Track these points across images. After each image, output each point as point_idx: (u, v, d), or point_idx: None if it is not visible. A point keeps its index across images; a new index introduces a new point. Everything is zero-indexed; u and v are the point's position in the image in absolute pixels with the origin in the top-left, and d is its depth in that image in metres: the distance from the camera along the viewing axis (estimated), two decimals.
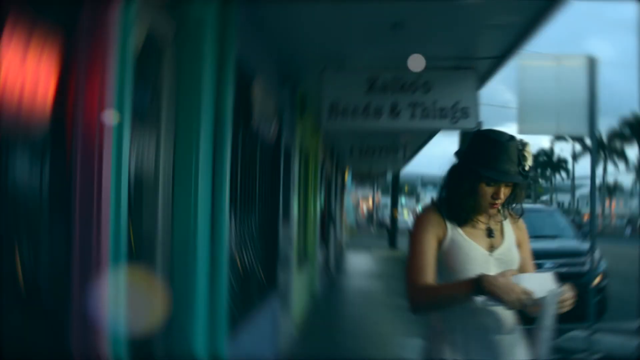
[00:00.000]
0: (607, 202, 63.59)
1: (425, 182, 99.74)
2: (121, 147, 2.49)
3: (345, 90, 7.25)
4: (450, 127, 7.35)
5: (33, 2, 2.22)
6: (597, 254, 7.81)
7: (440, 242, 2.63)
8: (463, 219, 2.65)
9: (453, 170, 2.70)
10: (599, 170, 56.37)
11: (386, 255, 24.12)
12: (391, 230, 29.66)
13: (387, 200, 42.27)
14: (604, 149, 56.58)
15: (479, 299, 2.48)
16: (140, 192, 3.20)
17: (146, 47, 3.12)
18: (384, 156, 16.09)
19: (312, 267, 11.73)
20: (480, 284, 2.44)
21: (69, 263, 2.34)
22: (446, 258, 2.61)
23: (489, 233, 2.67)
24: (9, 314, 2.07)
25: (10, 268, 2.11)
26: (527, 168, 2.61)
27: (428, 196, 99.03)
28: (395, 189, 30.72)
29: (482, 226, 2.68)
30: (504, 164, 2.58)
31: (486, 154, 2.60)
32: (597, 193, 9.04)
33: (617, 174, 61.15)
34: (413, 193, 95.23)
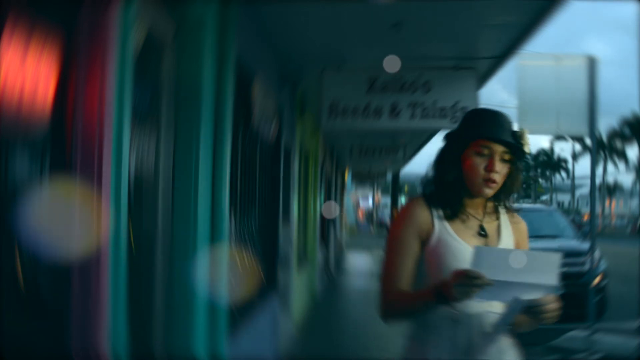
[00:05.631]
0: (607, 202, 63.60)
1: None
2: (121, 147, 2.49)
3: (345, 90, 7.26)
4: (450, 127, 7.34)
5: (33, 2, 2.22)
6: (597, 254, 7.82)
7: (424, 240, 2.32)
8: (453, 206, 2.34)
9: (440, 153, 2.42)
10: (599, 170, 56.42)
11: None
12: None
13: (387, 200, 42.25)
14: (604, 149, 56.61)
15: (446, 308, 2.20)
16: (140, 192, 3.20)
17: (146, 47, 3.12)
18: (384, 156, 16.08)
19: (312, 267, 11.72)
20: (439, 291, 2.16)
21: (69, 263, 2.34)
22: (430, 258, 2.31)
23: (482, 232, 2.36)
24: (9, 314, 2.07)
25: (10, 268, 2.11)
26: (521, 141, 2.34)
27: None
28: (395, 189, 30.70)
29: (475, 223, 2.37)
30: (495, 128, 2.32)
31: (476, 123, 2.37)
32: (597, 193, 9.04)
33: (617, 174, 61.20)
34: (413, 193, 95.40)
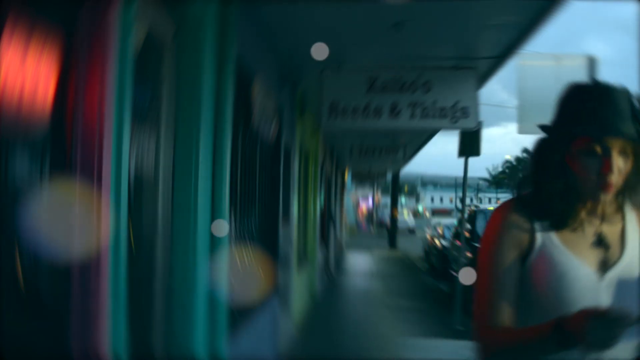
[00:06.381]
0: None
1: (425, 181, 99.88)
2: (121, 147, 2.49)
3: (345, 90, 7.26)
4: (450, 126, 7.36)
5: (33, 2, 2.22)
6: None
7: (524, 255, 1.79)
8: (559, 215, 1.78)
9: (539, 150, 1.84)
10: None
11: (386, 255, 24.12)
12: (391, 230, 29.67)
13: (387, 200, 42.29)
14: None
15: (573, 353, 1.65)
16: (140, 191, 3.20)
17: (146, 47, 3.12)
18: (384, 156, 16.10)
19: (312, 267, 11.72)
20: (564, 331, 1.61)
21: (69, 263, 2.34)
22: (532, 278, 1.78)
23: (599, 241, 1.80)
24: (9, 314, 2.07)
25: (10, 268, 2.11)
26: None
27: (428, 196, 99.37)
28: (395, 189, 30.72)
29: (590, 231, 1.80)
30: (609, 119, 1.72)
31: (580, 111, 1.76)
32: None
33: None
34: (413, 193, 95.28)
